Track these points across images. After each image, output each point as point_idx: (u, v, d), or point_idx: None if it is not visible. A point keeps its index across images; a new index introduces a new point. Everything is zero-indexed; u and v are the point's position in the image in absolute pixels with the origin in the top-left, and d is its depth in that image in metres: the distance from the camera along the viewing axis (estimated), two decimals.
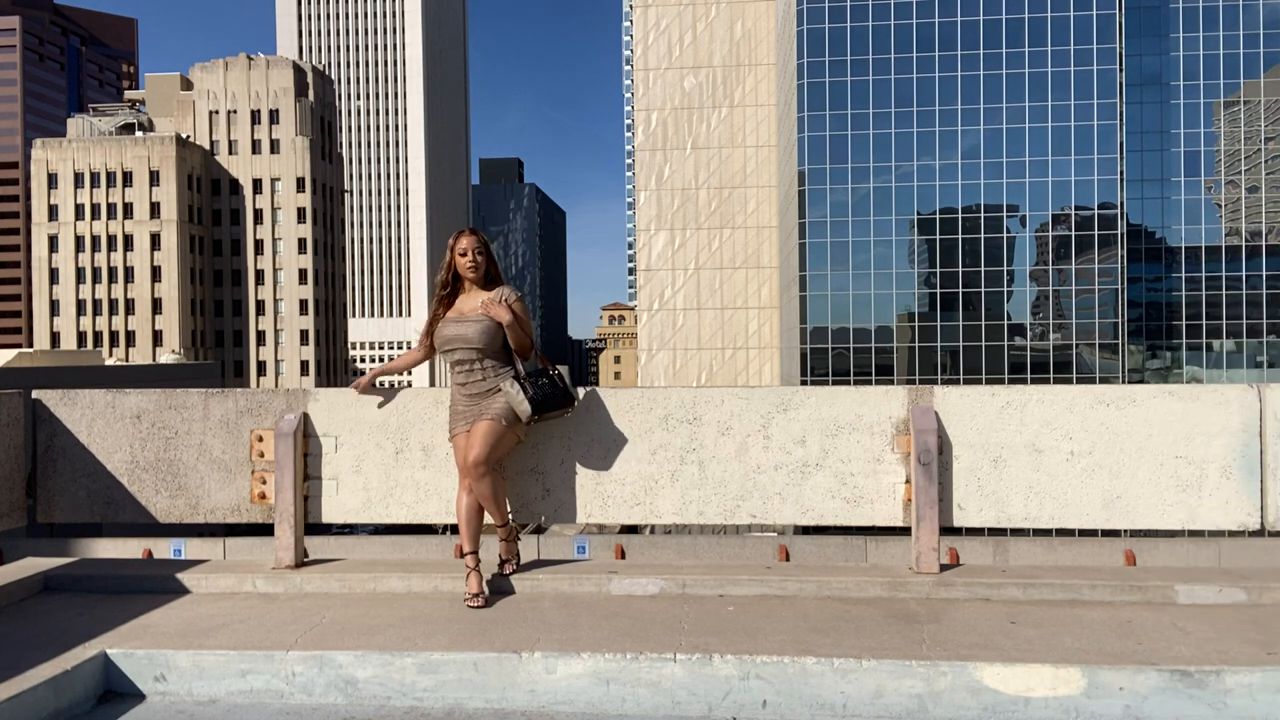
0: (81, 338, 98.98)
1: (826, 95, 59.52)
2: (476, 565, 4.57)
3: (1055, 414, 4.72)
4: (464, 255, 4.64)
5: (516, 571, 4.77)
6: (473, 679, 3.74)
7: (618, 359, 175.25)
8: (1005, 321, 58.48)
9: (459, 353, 4.60)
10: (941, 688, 3.57)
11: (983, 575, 4.65)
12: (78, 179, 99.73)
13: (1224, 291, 60.00)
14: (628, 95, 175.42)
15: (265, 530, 5.14)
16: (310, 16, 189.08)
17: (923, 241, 59.62)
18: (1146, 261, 61.16)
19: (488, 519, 4.71)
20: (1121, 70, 57.23)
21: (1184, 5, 59.64)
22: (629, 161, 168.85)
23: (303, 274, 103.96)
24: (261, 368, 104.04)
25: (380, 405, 4.98)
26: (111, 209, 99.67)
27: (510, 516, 4.78)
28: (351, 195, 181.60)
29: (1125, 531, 5.18)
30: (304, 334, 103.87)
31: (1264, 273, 59.65)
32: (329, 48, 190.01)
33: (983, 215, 58.73)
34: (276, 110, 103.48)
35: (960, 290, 58.50)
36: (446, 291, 4.72)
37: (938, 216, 59.14)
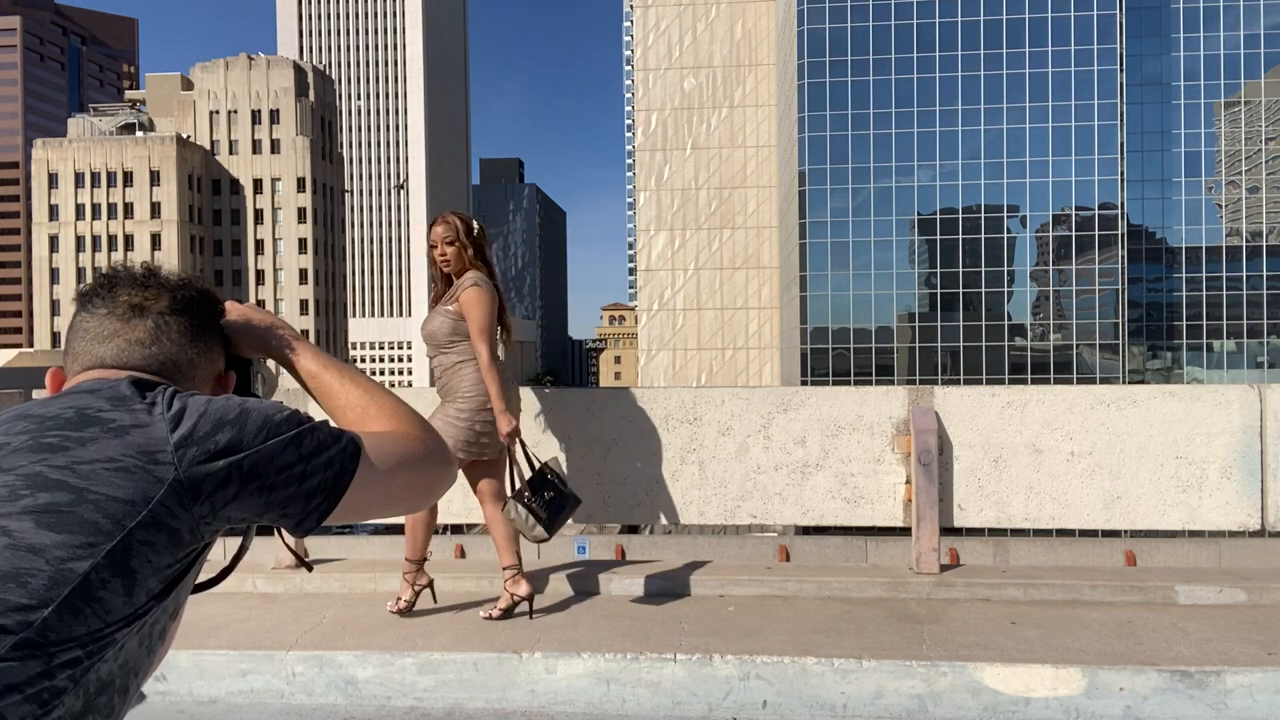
0: None
1: (827, 95, 59.50)
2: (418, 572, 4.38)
3: (1055, 414, 4.71)
4: (434, 248, 4.29)
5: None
6: (473, 679, 3.74)
7: (618, 359, 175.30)
8: (1006, 322, 58.46)
9: (430, 350, 4.33)
10: (942, 688, 3.56)
11: (983, 576, 4.65)
12: (78, 179, 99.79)
13: (1224, 292, 59.98)
14: (628, 95, 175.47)
15: (265, 530, 5.12)
16: (311, 16, 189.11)
17: (923, 242, 59.61)
18: (1147, 262, 61.15)
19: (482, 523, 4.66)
20: (1122, 70, 57.21)
21: (1184, 5, 59.63)
22: (629, 162, 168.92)
23: (303, 274, 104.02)
24: None
25: None
26: (112, 209, 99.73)
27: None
28: (351, 195, 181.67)
29: (1125, 532, 5.17)
30: (304, 334, 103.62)
31: (1264, 273, 59.62)
32: (329, 47, 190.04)
33: (983, 215, 58.72)
34: (277, 110, 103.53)
35: (960, 290, 58.49)
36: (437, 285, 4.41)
37: (938, 217, 59.13)
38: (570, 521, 4.32)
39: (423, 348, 4.66)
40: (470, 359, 4.16)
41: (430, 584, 4.37)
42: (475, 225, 4.31)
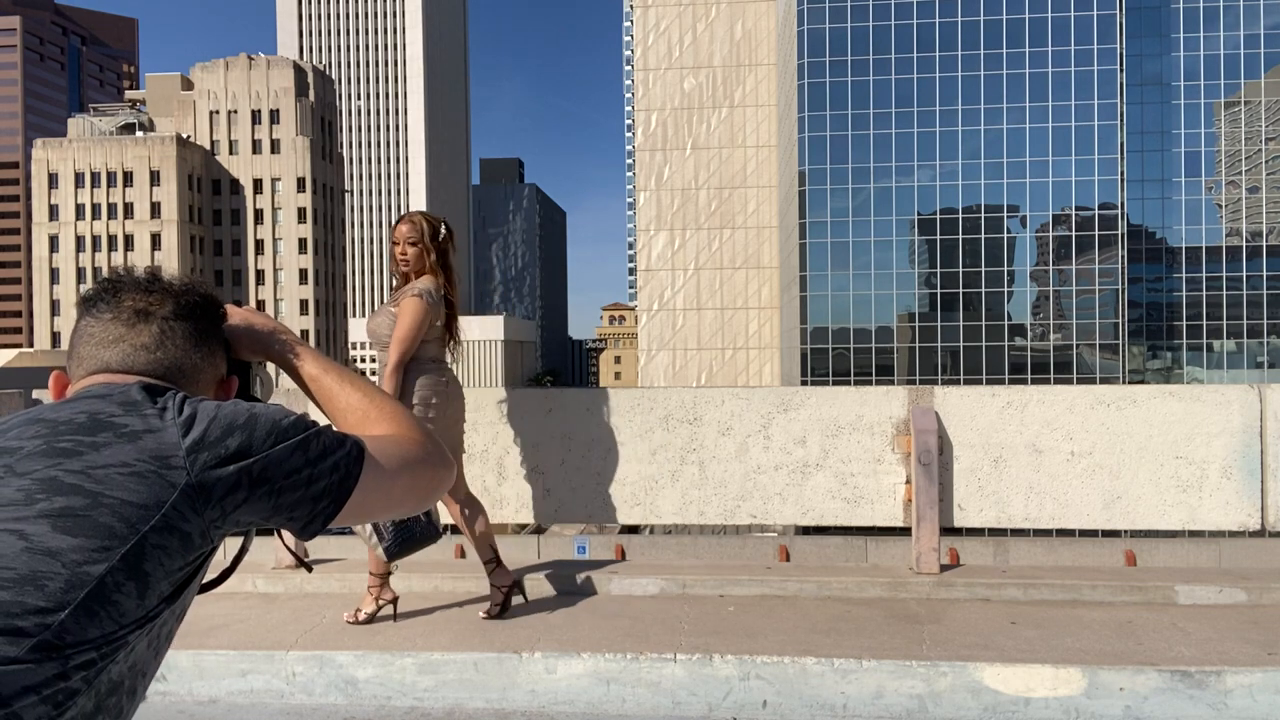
0: None
1: (827, 95, 59.51)
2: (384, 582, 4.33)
3: (1055, 414, 4.72)
4: (396, 245, 4.16)
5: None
6: (473, 679, 3.74)
7: (618, 359, 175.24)
8: (1006, 322, 58.46)
9: (375, 347, 4.23)
10: (942, 688, 3.56)
11: (983, 575, 4.65)
12: (78, 179, 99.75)
13: (1224, 292, 59.98)
14: (628, 95, 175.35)
15: (265, 530, 5.12)
16: (311, 16, 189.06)
17: (923, 242, 59.62)
18: (1147, 262, 61.14)
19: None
20: (1122, 70, 57.21)
21: (1184, 5, 59.63)
22: (629, 162, 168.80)
23: (303, 274, 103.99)
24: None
25: None
26: (112, 209, 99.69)
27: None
28: (352, 195, 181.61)
29: (1125, 532, 5.16)
30: (304, 334, 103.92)
31: (1264, 273, 59.63)
32: (329, 47, 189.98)
33: (983, 215, 58.73)
34: (277, 110, 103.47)
35: (960, 290, 58.50)
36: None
37: (938, 217, 59.13)
38: (571, 521, 4.31)
39: None
40: (413, 359, 4.06)
41: (394, 601, 4.26)
42: (442, 230, 4.20)
